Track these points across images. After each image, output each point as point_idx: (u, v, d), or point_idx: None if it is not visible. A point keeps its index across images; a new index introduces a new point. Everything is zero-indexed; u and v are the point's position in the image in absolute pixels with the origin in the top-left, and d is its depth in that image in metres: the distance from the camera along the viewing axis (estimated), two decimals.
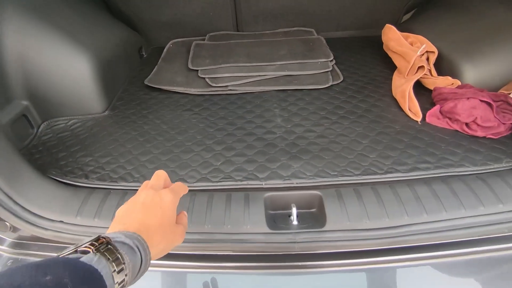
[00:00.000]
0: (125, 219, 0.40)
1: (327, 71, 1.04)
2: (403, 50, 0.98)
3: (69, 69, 0.86)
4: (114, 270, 0.32)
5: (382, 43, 1.13)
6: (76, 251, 0.33)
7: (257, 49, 1.16)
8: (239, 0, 1.23)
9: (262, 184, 0.67)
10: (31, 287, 0.26)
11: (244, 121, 0.86)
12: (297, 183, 0.67)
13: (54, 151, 0.80)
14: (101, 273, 0.30)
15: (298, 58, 1.09)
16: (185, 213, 0.48)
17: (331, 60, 1.09)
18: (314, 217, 0.64)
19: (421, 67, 0.90)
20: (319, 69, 1.04)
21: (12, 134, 0.79)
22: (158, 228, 0.39)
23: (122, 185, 0.69)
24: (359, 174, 0.68)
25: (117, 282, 0.32)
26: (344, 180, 0.67)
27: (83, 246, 0.33)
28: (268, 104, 0.93)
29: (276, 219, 0.65)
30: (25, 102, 0.84)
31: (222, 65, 1.07)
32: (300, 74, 1.03)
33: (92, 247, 0.32)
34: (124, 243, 0.35)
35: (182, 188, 0.47)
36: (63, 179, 0.71)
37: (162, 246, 0.40)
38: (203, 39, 1.28)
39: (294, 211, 0.61)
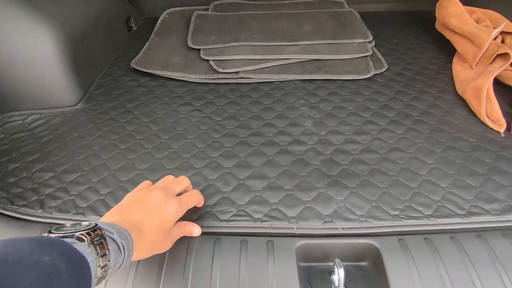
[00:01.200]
0: (126, 212, 0.40)
1: (366, 56, 0.81)
2: (470, 30, 0.74)
3: (25, 46, 0.63)
4: (99, 266, 0.31)
5: (432, 20, 0.89)
6: (72, 236, 0.31)
7: (274, 24, 0.91)
8: None
9: (292, 228, 0.47)
10: (31, 264, 0.25)
11: (261, 123, 0.64)
12: (343, 228, 0.46)
13: (2, 160, 0.59)
14: (91, 266, 0.30)
15: (328, 37, 0.85)
16: (184, 223, 0.45)
17: (370, 41, 0.85)
18: (367, 276, 0.44)
19: (504, 55, 0.67)
20: (356, 52, 0.81)
21: None
22: (151, 234, 0.39)
23: (92, 219, 0.48)
24: (430, 216, 0.47)
25: (98, 277, 0.31)
26: (410, 224, 0.47)
27: (80, 232, 0.32)
28: (293, 99, 0.70)
29: (312, 276, 0.45)
30: None
31: (231, 44, 0.83)
32: (332, 58, 0.80)
33: (88, 237, 0.31)
34: (114, 241, 0.34)
35: (193, 200, 0.46)
36: (7, 209, 0.50)
37: (146, 253, 0.40)
38: (207, 9, 1.03)
39: (339, 271, 0.41)
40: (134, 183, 0.53)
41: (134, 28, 1.02)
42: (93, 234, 0.32)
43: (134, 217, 0.39)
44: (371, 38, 0.85)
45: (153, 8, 1.10)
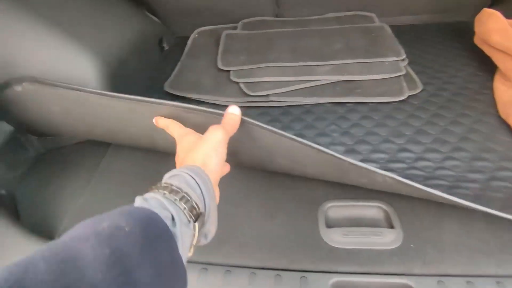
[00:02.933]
0: (191, 156, 0.37)
1: (399, 76, 0.79)
2: None
3: (67, 76, 0.67)
4: (185, 208, 0.30)
5: (470, 32, 0.85)
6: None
7: (303, 42, 0.91)
8: None
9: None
10: (91, 235, 0.24)
11: None
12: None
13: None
14: (160, 215, 0.28)
15: (359, 56, 0.83)
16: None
17: (403, 59, 0.83)
18: None
19: None
20: (388, 72, 0.79)
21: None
22: (212, 162, 0.37)
23: None
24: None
25: (189, 214, 0.30)
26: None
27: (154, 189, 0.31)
28: (323, 124, 0.70)
29: None
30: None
31: (261, 65, 0.84)
32: (364, 79, 0.78)
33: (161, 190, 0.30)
34: (188, 183, 0.32)
35: (234, 127, 0.46)
36: None
37: (217, 171, 0.37)
38: (236, 28, 1.05)
39: None
40: None
41: (166, 48, 1.05)
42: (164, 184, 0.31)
43: (201, 154, 0.37)
44: (404, 56, 0.82)
45: (184, 26, 1.13)
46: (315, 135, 0.67)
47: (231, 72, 0.84)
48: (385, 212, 0.52)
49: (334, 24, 1.00)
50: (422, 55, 0.88)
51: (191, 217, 0.30)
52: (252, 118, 0.72)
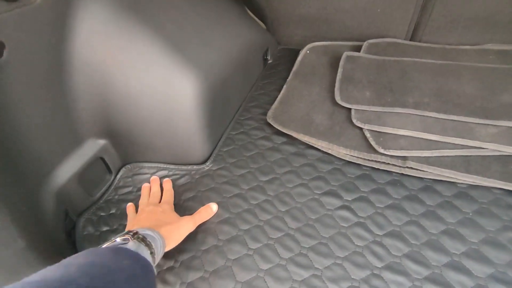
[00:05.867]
0: (142, 222, 0.47)
1: None
2: None
3: (168, 98, 0.56)
4: (151, 252, 0.38)
5: None
6: (121, 239, 0.38)
7: (454, 83, 0.68)
8: None
9: None
10: (115, 268, 0.30)
11: (440, 259, 0.44)
12: None
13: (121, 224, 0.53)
14: (146, 257, 0.36)
15: None
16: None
17: None
18: None
19: None
20: None
21: (81, 187, 0.54)
22: (167, 225, 0.46)
23: None
24: None
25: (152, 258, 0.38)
26: None
27: (123, 237, 0.38)
28: (492, 225, 0.47)
29: None
30: (102, 141, 0.58)
31: (396, 109, 0.63)
32: None
33: (130, 236, 0.38)
34: (152, 237, 0.41)
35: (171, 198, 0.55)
36: None
37: (174, 236, 0.46)
38: (358, 47, 0.85)
39: None
40: None
41: (270, 61, 0.91)
42: (131, 234, 0.39)
43: (149, 222, 0.46)
44: None
45: (291, 36, 0.97)
46: (479, 241, 0.45)
47: (352, 111, 0.66)
48: None
49: (497, 58, 0.74)
50: None
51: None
52: (381, 189, 0.53)
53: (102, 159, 0.58)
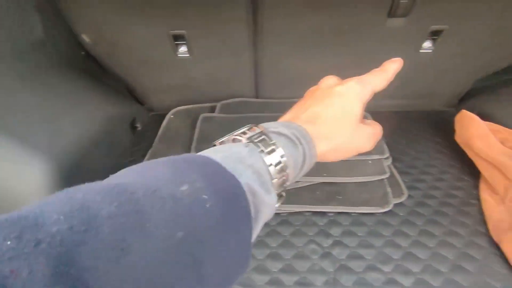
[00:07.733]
0: (296, 108, 0.36)
1: (383, 179, 0.74)
2: (499, 159, 0.67)
3: (13, 184, 0.59)
4: (271, 164, 0.26)
5: (445, 123, 0.84)
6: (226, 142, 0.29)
7: None
8: (261, 62, 0.95)
9: None
10: (167, 197, 0.20)
11: (266, 278, 0.56)
12: None
13: None
14: (260, 166, 0.25)
15: None
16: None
17: (386, 158, 0.79)
18: None
19: None
20: (371, 174, 0.74)
21: None
22: (328, 118, 0.32)
23: None
24: None
25: (276, 178, 0.27)
26: None
27: (233, 135, 0.29)
28: (302, 240, 0.62)
29: None
30: None
31: None
32: (346, 181, 0.73)
33: (244, 136, 0.28)
34: (280, 134, 0.29)
35: (378, 79, 0.36)
36: None
37: (336, 141, 0.32)
38: (214, 107, 1.01)
39: None
40: None
41: (139, 128, 1.00)
42: (249, 132, 0.28)
43: (305, 108, 0.35)
44: (388, 154, 0.79)
45: (161, 102, 1.09)
46: (293, 256, 0.59)
47: None
48: None
49: None
50: (405, 150, 0.85)
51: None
52: None
53: None
